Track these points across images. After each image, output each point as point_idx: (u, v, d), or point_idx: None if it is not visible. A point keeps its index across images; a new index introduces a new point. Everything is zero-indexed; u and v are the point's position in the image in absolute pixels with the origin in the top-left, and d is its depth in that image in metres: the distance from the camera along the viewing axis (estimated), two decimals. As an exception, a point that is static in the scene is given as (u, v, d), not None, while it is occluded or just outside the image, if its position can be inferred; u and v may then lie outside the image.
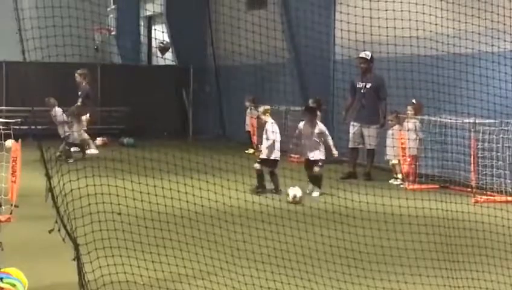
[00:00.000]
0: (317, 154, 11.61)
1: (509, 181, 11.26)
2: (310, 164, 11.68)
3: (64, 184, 5.17)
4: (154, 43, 25.24)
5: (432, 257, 6.70)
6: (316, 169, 11.53)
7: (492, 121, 11.03)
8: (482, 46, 8.79)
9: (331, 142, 11.86)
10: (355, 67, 13.46)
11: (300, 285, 6.05)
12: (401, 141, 12.88)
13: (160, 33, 24.19)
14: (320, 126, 11.93)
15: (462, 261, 6.70)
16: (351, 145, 14.01)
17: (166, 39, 22.90)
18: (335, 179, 11.69)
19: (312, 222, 7.51)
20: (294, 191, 10.68)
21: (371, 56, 13.32)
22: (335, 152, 11.84)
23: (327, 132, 11.96)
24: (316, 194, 11.33)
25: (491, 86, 9.13)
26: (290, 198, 10.58)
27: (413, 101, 12.50)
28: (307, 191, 11.20)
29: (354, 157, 14.03)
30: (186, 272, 6.26)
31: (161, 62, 24.10)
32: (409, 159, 12.76)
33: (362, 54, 13.17)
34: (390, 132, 13.59)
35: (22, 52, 5.38)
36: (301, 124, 12.22)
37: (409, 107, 12.85)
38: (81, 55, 7.60)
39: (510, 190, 11.21)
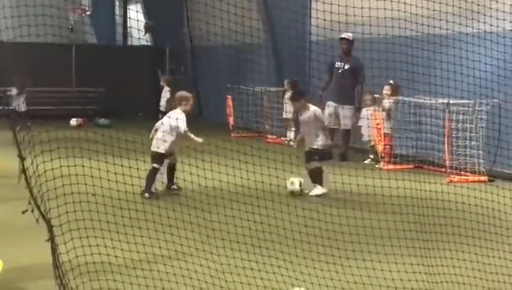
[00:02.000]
0: (315, 143, 10.10)
1: (482, 161, 11.38)
2: (307, 156, 10.21)
3: (37, 165, 5.13)
4: (129, 23, 25.04)
5: (405, 237, 6.76)
6: (311, 164, 10.09)
7: (466, 101, 11.12)
8: (457, 27, 8.82)
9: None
10: (331, 48, 13.47)
11: (275, 265, 6.07)
12: (377, 122, 12.94)
13: (135, 13, 24.01)
14: (312, 110, 10.29)
15: (435, 240, 6.76)
16: (328, 125, 14.03)
17: (143, 20, 22.76)
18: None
19: (287, 202, 7.54)
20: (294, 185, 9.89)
21: (352, 38, 13.36)
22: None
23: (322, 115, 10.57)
24: (315, 192, 9.93)
25: (465, 66, 9.19)
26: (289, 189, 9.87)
27: (391, 81, 12.55)
28: (306, 191, 10.00)
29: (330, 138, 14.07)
30: (162, 252, 6.26)
31: (136, 43, 23.94)
32: (383, 140, 12.83)
33: (345, 35, 13.19)
34: (365, 112, 13.65)
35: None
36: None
37: (386, 87, 12.91)
38: (54, 35, 7.50)
39: (483, 169, 11.33)
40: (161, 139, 9.75)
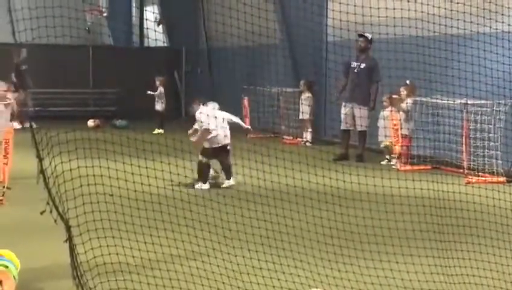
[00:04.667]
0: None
1: (500, 162, 11.31)
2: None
3: (55, 166, 5.16)
4: (145, 25, 25.12)
5: (423, 237, 6.73)
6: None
7: (484, 102, 11.05)
8: (474, 26, 8.77)
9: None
10: (348, 49, 13.44)
11: (292, 265, 6.07)
12: (394, 122, 12.90)
13: (152, 14, 24.10)
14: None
15: (453, 241, 6.73)
16: (342, 126, 14.03)
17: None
18: (327, 161, 11.70)
19: (304, 203, 7.52)
20: None
21: (371, 38, 13.34)
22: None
23: None
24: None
25: (483, 66, 9.13)
26: None
27: (407, 82, 12.50)
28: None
29: (346, 139, 14.05)
30: (179, 253, 6.28)
31: (153, 44, 24.03)
32: (401, 141, 12.79)
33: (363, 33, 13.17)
34: (383, 113, 13.61)
35: (13, 34, 5.35)
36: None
37: (402, 88, 12.86)
38: (72, 36, 7.54)
39: (501, 170, 11.26)
40: (225, 134, 10.66)
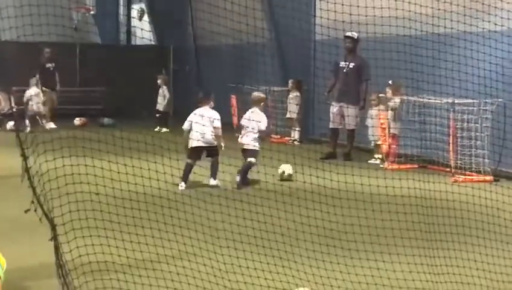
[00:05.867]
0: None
1: (487, 161, 11.34)
2: None
3: (40, 164, 5.12)
4: (133, 23, 25.06)
5: (410, 236, 6.73)
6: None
7: (470, 101, 11.08)
8: (461, 26, 8.79)
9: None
10: (336, 48, 13.45)
11: (279, 264, 6.06)
12: (381, 121, 12.92)
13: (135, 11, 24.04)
14: None
15: (440, 240, 6.74)
16: (331, 125, 14.05)
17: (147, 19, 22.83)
18: (314, 159, 11.70)
19: (291, 202, 7.52)
20: (284, 168, 10.78)
21: (357, 36, 13.34)
22: None
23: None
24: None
25: (470, 66, 9.15)
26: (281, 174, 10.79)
27: (390, 82, 12.50)
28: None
29: (335, 138, 14.06)
30: (165, 252, 6.25)
31: (140, 42, 23.96)
32: (390, 139, 12.81)
33: (349, 33, 13.17)
34: (371, 112, 13.64)
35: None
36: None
37: (387, 88, 12.87)
38: (58, 34, 7.49)
39: (489, 169, 11.29)
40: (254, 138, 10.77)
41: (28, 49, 18.58)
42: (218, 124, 10.45)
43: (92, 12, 25.88)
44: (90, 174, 5.90)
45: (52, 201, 5.12)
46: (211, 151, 10.39)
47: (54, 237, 5.11)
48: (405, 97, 12.67)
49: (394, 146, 12.93)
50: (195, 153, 10.34)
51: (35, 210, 4.96)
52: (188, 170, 10.12)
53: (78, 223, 5.66)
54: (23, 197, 5.00)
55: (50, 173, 5.30)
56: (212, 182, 10.25)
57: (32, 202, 4.95)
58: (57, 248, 5.15)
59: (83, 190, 5.95)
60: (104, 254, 5.77)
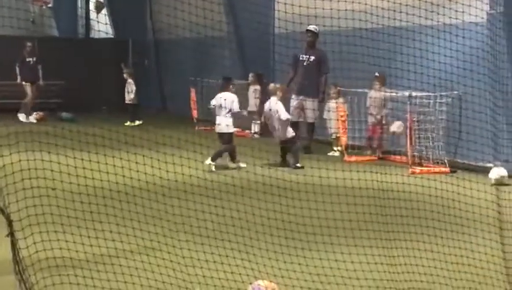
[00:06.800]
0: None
1: (444, 152, 11.51)
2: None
3: (-5, 160, 5.06)
4: (91, 16, 24.80)
5: (368, 228, 6.81)
6: None
7: (427, 93, 11.22)
8: (417, 19, 8.89)
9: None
10: (295, 41, 13.50)
11: (238, 257, 6.08)
12: (341, 114, 13.01)
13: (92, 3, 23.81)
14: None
15: (397, 231, 6.81)
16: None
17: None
18: (274, 152, 11.74)
19: (250, 195, 7.54)
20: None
21: (318, 30, 13.41)
22: None
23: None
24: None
25: (426, 58, 9.27)
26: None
27: (376, 74, 12.48)
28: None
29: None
30: (124, 247, 6.22)
31: (98, 35, 23.74)
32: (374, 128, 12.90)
33: (311, 27, 13.23)
34: (330, 105, 13.73)
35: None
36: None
37: (375, 81, 12.82)
38: (13, 27, 7.39)
39: (445, 161, 11.46)
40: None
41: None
42: (236, 106, 11.98)
43: (49, 5, 25.53)
44: (47, 169, 5.84)
45: (8, 196, 5.06)
46: (223, 137, 11.72)
47: (11, 233, 5.06)
48: (361, 90, 12.78)
49: (379, 135, 13.00)
50: (218, 138, 11.79)
51: (-9, 206, 4.90)
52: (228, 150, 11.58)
53: (35, 218, 5.61)
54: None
55: (6, 167, 5.24)
56: (232, 165, 11.27)
57: (-13, 197, 4.89)
58: (13, 244, 5.10)
59: (39, 185, 5.89)
60: (61, 250, 5.72)
